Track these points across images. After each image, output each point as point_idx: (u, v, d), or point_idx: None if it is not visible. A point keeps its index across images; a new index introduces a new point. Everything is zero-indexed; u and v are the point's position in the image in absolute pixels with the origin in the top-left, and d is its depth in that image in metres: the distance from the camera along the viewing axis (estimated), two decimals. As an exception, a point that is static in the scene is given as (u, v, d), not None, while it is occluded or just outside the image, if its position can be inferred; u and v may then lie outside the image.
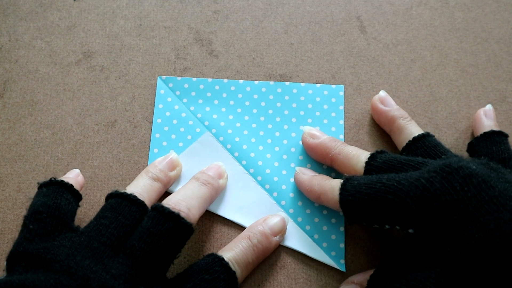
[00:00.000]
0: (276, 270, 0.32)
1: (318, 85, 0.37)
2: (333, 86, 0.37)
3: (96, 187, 0.35)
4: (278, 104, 0.37)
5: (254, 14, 0.41)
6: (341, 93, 0.37)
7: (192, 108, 0.37)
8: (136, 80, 0.38)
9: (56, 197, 0.29)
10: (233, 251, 0.29)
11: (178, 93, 0.37)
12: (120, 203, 0.29)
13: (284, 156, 0.35)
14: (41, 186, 0.30)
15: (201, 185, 0.31)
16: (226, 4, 0.41)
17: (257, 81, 0.38)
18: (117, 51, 0.39)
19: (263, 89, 0.37)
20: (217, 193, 0.33)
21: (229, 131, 0.36)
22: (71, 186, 0.30)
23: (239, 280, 0.29)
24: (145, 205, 0.29)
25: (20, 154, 0.36)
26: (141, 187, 0.31)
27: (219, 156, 0.35)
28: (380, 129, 0.36)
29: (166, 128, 0.36)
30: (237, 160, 0.35)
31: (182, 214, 0.28)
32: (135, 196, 0.29)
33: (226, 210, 0.34)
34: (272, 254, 0.33)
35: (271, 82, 0.37)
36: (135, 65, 0.39)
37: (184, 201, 0.29)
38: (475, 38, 0.40)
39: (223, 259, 0.28)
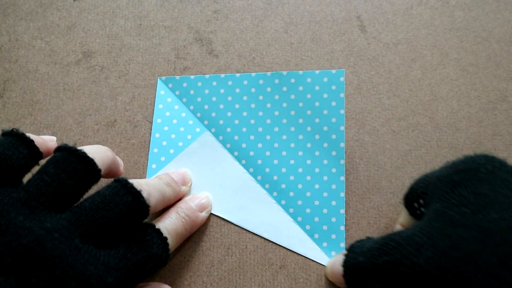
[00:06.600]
0: (276, 270, 0.32)
1: (317, 71, 0.36)
2: (333, 71, 0.36)
3: (96, 187, 0.35)
4: (276, 97, 0.36)
5: (254, 13, 0.40)
6: (342, 78, 0.35)
7: (191, 107, 0.37)
8: (136, 80, 0.38)
9: (8, 148, 0.26)
10: (163, 222, 0.29)
11: (178, 93, 0.37)
12: (66, 158, 0.26)
13: (284, 153, 0.35)
14: (1, 134, 0.28)
15: (164, 184, 0.31)
16: (226, 4, 0.41)
17: (254, 73, 0.37)
18: (117, 51, 0.39)
19: (261, 81, 0.37)
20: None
21: (228, 130, 0.36)
22: (30, 141, 0.28)
23: (170, 247, 0.29)
24: (94, 164, 0.27)
25: (20, 154, 0.36)
26: (93, 150, 0.28)
27: (218, 155, 0.35)
28: (381, 129, 0.36)
29: (166, 128, 0.36)
30: (237, 159, 0.35)
31: (143, 194, 0.27)
32: (84, 153, 0.26)
33: (225, 211, 0.34)
34: (272, 254, 0.33)
35: (268, 73, 0.37)
36: (135, 64, 0.39)
37: (147, 186, 0.28)
38: (475, 38, 0.40)
39: (154, 226, 0.28)
